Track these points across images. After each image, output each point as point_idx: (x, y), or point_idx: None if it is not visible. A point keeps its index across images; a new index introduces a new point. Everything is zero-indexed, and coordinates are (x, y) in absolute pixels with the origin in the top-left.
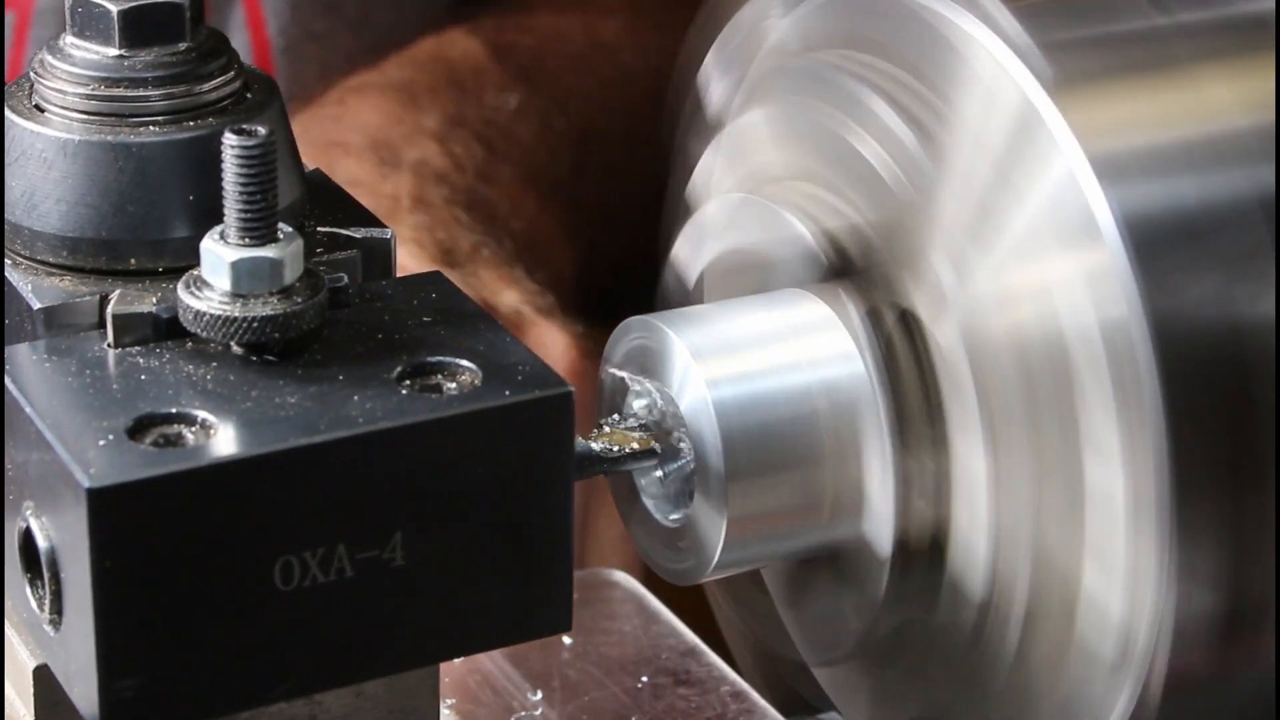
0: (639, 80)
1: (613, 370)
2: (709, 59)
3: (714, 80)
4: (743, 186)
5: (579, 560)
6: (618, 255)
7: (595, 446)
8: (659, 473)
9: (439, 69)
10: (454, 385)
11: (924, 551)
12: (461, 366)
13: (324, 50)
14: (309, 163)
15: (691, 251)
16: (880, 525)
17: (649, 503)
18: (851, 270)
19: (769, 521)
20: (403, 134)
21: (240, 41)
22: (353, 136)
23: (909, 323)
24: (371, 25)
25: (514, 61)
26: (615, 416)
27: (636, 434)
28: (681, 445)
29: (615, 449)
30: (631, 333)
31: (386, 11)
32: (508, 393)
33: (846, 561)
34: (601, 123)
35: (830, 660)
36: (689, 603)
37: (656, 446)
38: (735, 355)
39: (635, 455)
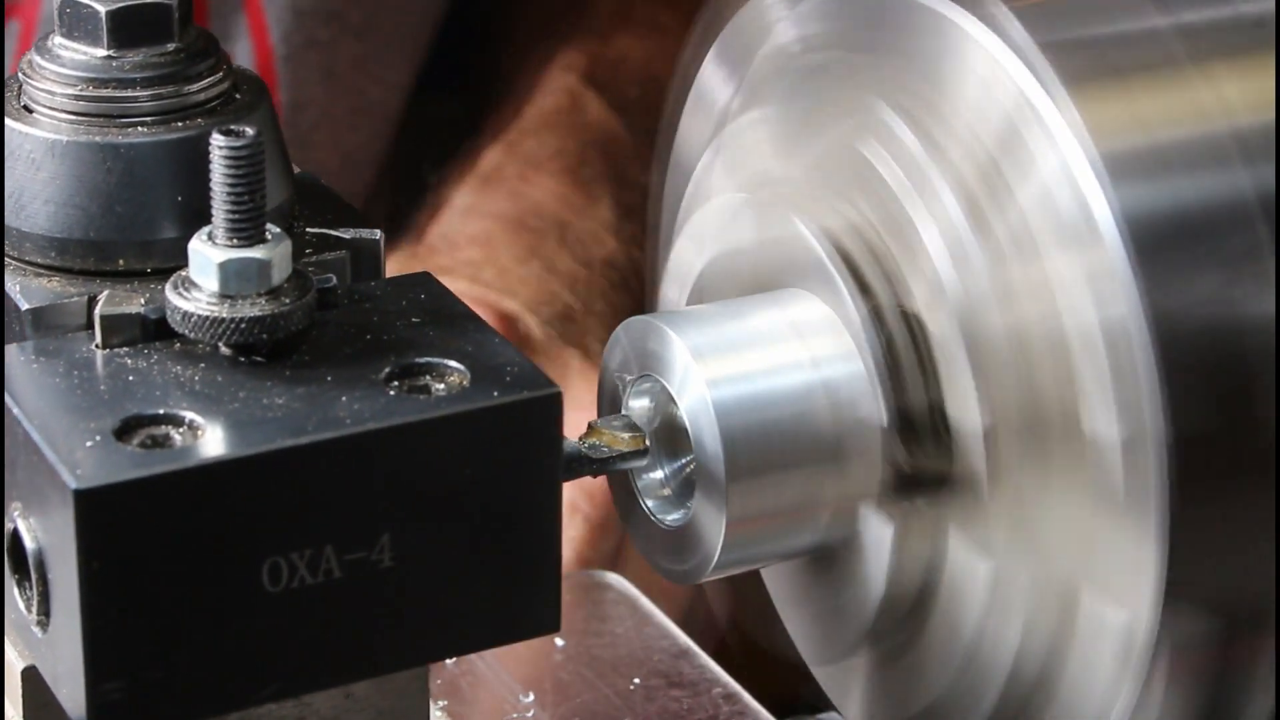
0: None
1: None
2: (709, 59)
3: (714, 80)
4: (743, 187)
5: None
6: None
7: (584, 447)
8: (660, 473)
9: (587, 140)
10: (442, 386)
11: (924, 551)
12: (450, 367)
13: (326, 57)
14: (501, 232)
15: (692, 252)
16: (880, 525)
17: (649, 503)
18: (852, 270)
19: (769, 521)
20: (588, 230)
21: (243, 49)
22: (543, 223)
23: (909, 322)
24: (374, 31)
25: (638, 124)
26: (610, 418)
27: (626, 434)
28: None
29: (605, 449)
30: (632, 333)
31: (390, 17)
32: (496, 394)
33: (846, 561)
34: None
35: (830, 660)
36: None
37: (647, 446)
38: (735, 355)
39: (625, 456)
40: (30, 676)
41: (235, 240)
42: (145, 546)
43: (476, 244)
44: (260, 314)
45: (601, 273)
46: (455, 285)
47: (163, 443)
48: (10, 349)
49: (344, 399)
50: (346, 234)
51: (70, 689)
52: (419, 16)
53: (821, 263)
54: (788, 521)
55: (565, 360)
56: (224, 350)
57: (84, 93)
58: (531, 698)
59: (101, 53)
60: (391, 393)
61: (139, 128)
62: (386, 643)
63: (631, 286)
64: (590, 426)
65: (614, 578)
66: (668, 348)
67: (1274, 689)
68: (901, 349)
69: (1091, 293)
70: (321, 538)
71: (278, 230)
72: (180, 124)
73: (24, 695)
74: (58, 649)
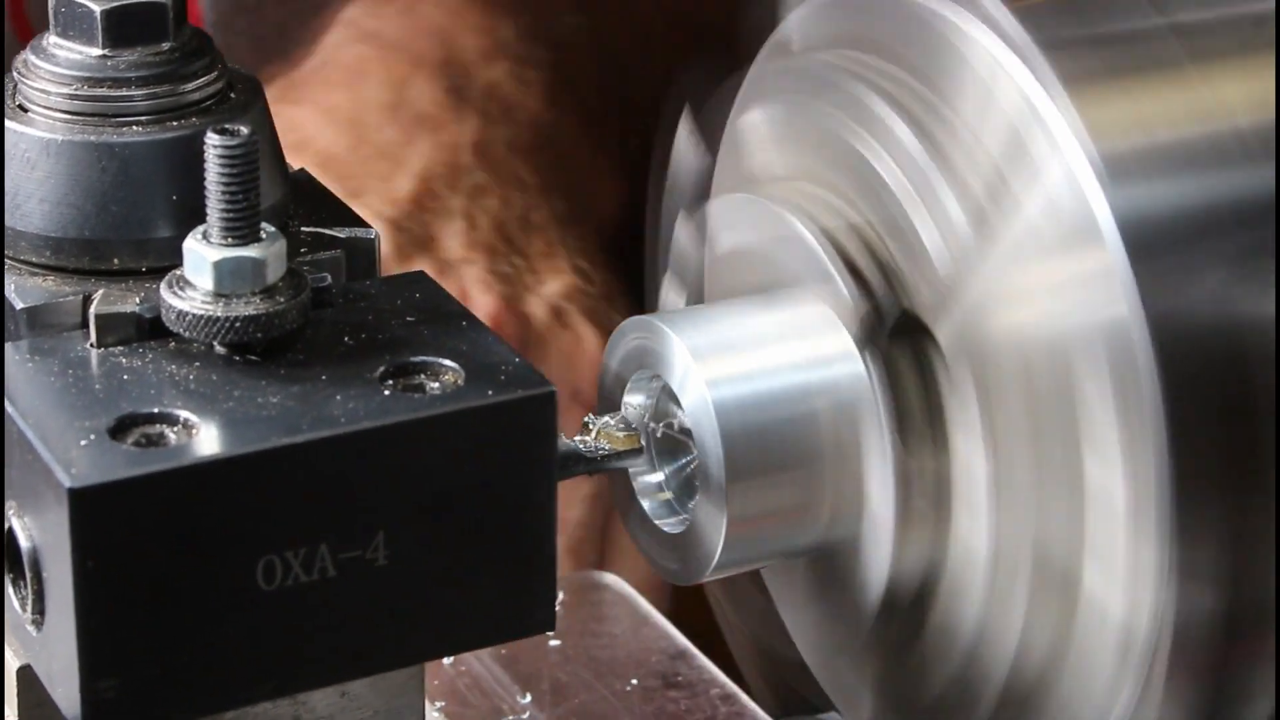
0: (674, 25)
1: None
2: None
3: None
4: (743, 186)
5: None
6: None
7: (580, 445)
8: (660, 474)
9: None
10: (437, 385)
11: (924, 552)
12: (444, 366)
13: (253, 23)
14: (376, 58)
15: (691, 251)
16: (880, 525)
17: (646, 505)
18: (852, 270)
19: (769, 521)
20: (478, 46)
21: None
22: (426, 44)
23: (909, 322)
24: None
25: None
26: (605, 417)
27: (622, 432)
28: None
29: (600, 447)
30: (631, 333)
31: None
32: (490, 392)
33: (846, 561)
34: (643, 61)
35: (830, 660)
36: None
37: (642, 445)
38: (735, 355)
39: (620, 454)
40: (25, 675)
41: (230, 239)
42: (140, 545)
43: (346, 83)
44: (255, 313)
45: (478, 104)
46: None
47: (157, 441)
48: (5, 348)
49: (339, 398)
50: (341, 233)
51: (65, 687)
52: None
53: (821, 263)
54: (788, 521)
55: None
56: (219, 349)
57: (79, 92)
58: (529, 699)
59: (96, 52)
60: (386, 391)
61: (134, 127)
62: (381, 641)
63: (517, 118)
64: (585, 425)
65: (611, 578)
66: (668, 348)
67: (1274, 689)
68: (901, 349)
69: (1092, 294)
70: (316, 536)
71: (272, 229)
72: (175, 123)
73: (19, 694)
74: (52, 647)
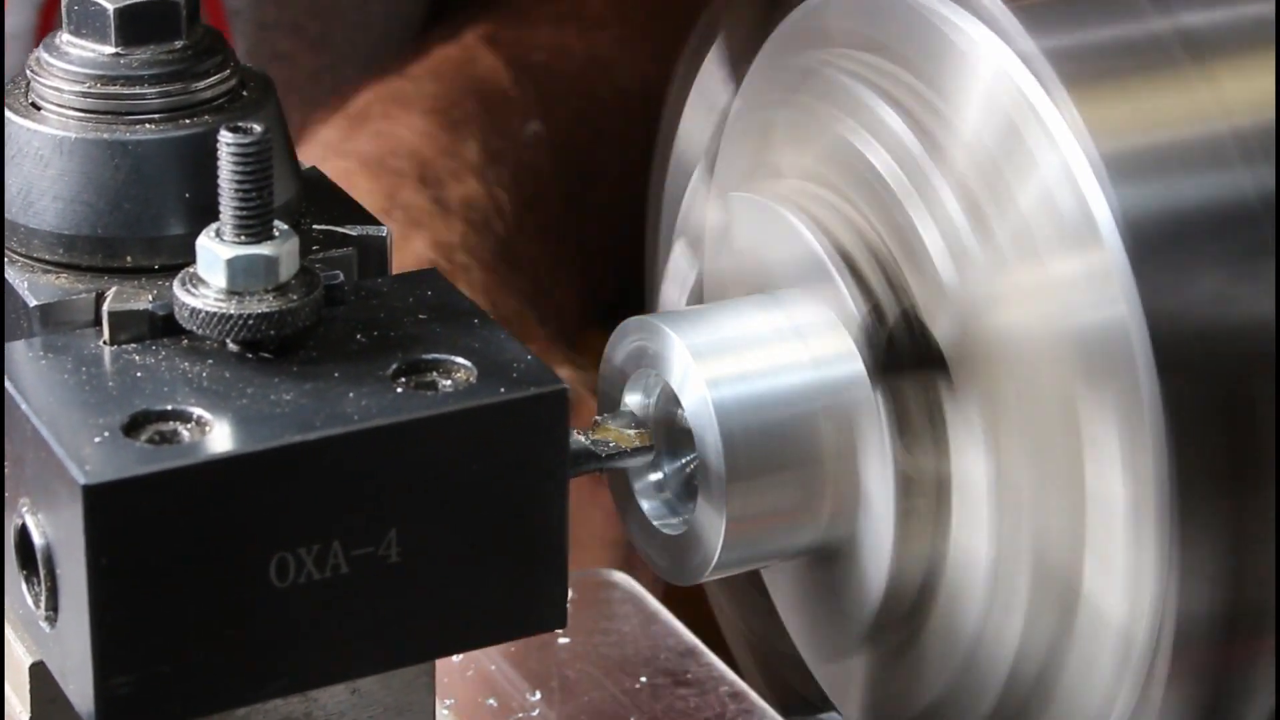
0: (631, 101)
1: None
2: (709, 59)
3: (714, 80)
4: (743, 186)
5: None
6: (615, 295)
7: (591, 443)
8: (659, 474)
9: (468, 88)
10: (449, 382)
11: (923, 553)
12: (457, 364)
13: (288, 70)
14: (359, 171)
15: (691, 252)
16: (880, 525)
17: (646, 505)
18: (852, 269)
19: (769, 521)
20: (448, 168)
21: None
22: (403, 162)
23: (909, 322)
24: (331, 44)
25: (532, 83)
26: (616, 413)
27: (633, 430)
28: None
29: (611, 445)
30: (631, 333)
31: (346, 32)
32: (503, 390)
33: (846, 561)
34: (601, 156)
35: (830, 659)
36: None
37: (653, 443)
38: (735, 355)
39: (631, 452)
40: (39, 672)
41: (243, 237)
42: (153, 542)
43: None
44: (268, 310)
45: (461, 214)
46: None
47: (171, 438)
48: (19, 345)
49: (351, 395)
50: (353, 231)
51: (78, 684)
52: (379, 33)
53: (822, 263)
54: (788, 521)
55: None
56: (231, 346)
57: (92, 90)
58: (538, 696)
59: (109, 50)
60: (399, 389)
61: (146, 125)
62: (393, 638)
63: (494, 228)
64: (596, 423)
65: (620, 576)
66: (668, 348)
67: (1274, 689)
68: (902, 349)
69: (1091, 293)
70: (329, 533)
71: (285, 227)
72: (188, 121)
73: (32, 691)
74: (66, 644)
